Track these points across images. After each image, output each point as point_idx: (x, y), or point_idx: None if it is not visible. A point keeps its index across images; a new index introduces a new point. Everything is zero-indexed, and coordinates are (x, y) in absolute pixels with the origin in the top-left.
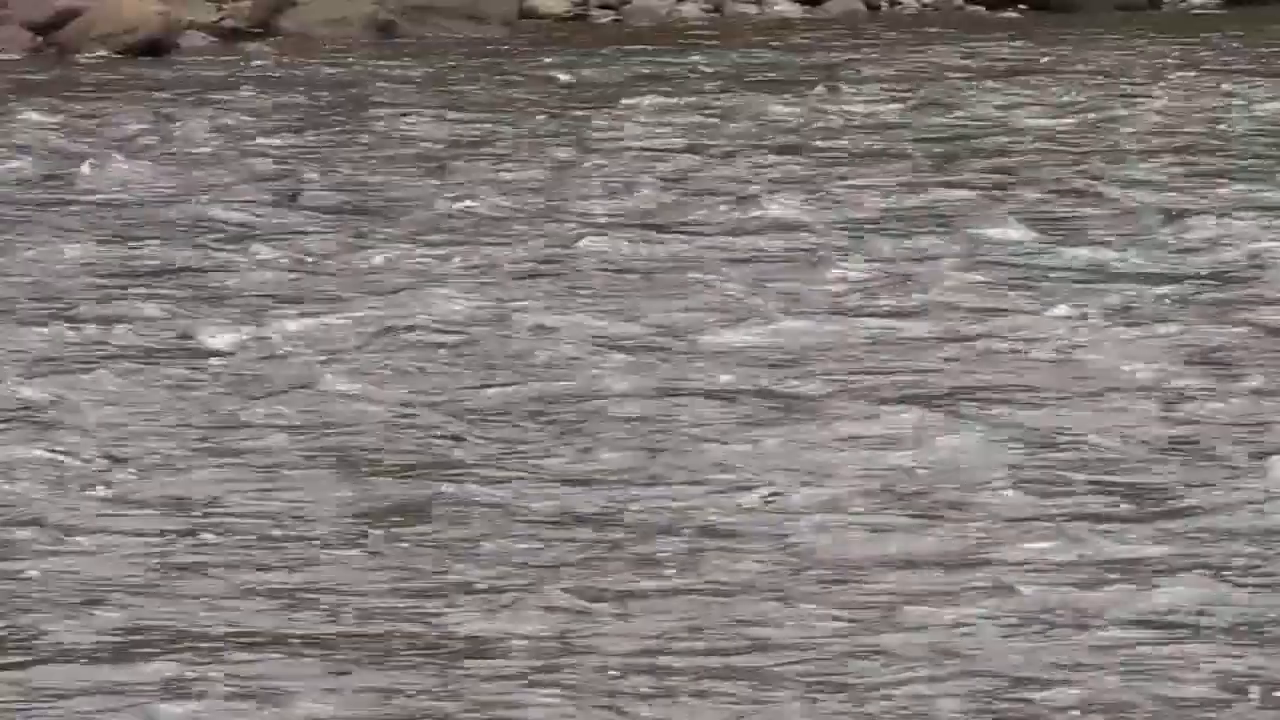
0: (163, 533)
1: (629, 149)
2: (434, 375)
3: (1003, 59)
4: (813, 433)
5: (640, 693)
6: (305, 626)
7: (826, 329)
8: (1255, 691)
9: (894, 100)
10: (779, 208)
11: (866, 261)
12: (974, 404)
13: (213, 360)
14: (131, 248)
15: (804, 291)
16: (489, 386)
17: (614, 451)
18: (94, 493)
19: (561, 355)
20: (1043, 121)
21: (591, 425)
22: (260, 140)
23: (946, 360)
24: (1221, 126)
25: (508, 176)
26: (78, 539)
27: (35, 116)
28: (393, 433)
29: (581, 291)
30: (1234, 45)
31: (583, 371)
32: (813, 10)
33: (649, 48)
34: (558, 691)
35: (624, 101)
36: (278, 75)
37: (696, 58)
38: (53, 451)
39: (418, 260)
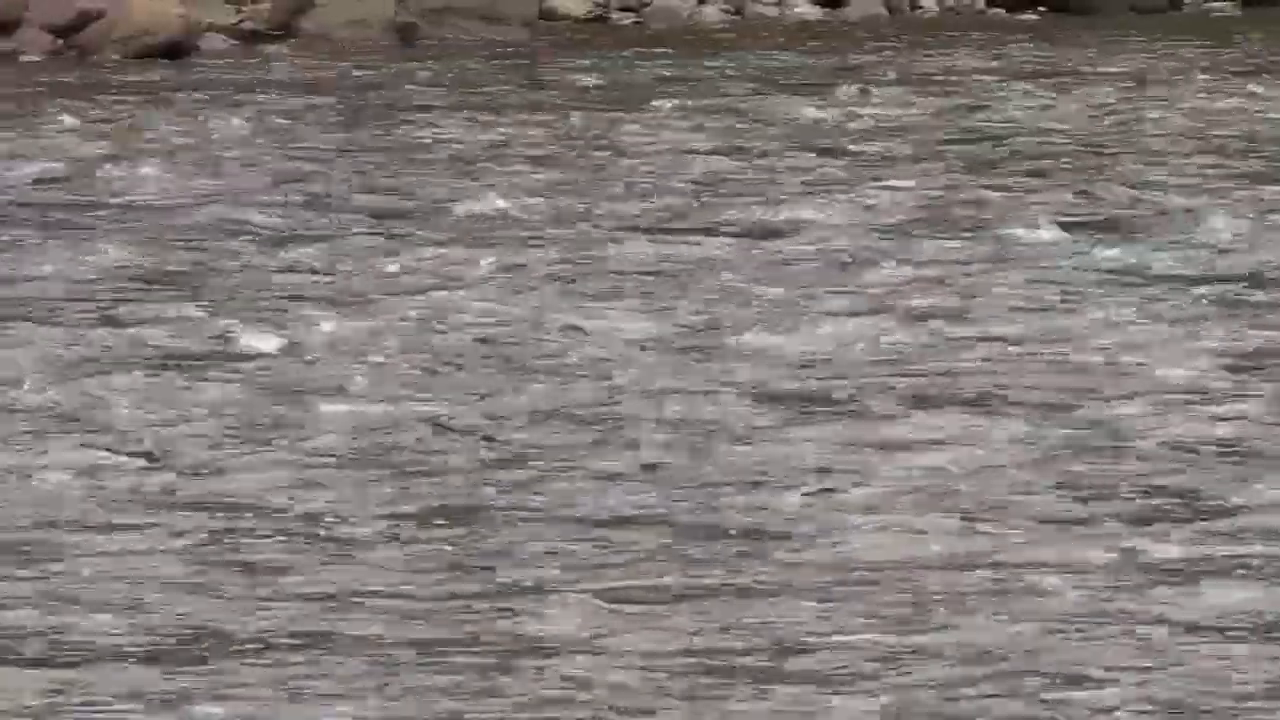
0: (202, 534)
1: (657, 151)
2: (468, 377)
3: (1027, 61)
4: (851, 434)
5: (682, 693)
6: (348, 628)
7: (862, 330)
8: None
9: (922, 102)
10: (811, 210)
11: (900, 263)
12: (1012, 405)
13: (248, 363)
14: (162, 251)
15: (839, 293)
16: (524, 388)
17: (651, 453)
18: (132, 494)
19: (595, 357)
20: (1072, 123)
21: (628, 427)
22: (287, 143)
23: (984, 361)
24: (1251, 127)
25: (538, 178)
26: (115, 540)
27: (60, 119)
28: (429, 434)
29: (614, 293)
30: (1257, 47)
31: (617, 373)
32: (833, 12)
33: (671, 50)
34: (601, 693)
35: (651, 103)
36: (300, 77)
37: (720, 60)
38: (89, 453)
39: (449, 262)
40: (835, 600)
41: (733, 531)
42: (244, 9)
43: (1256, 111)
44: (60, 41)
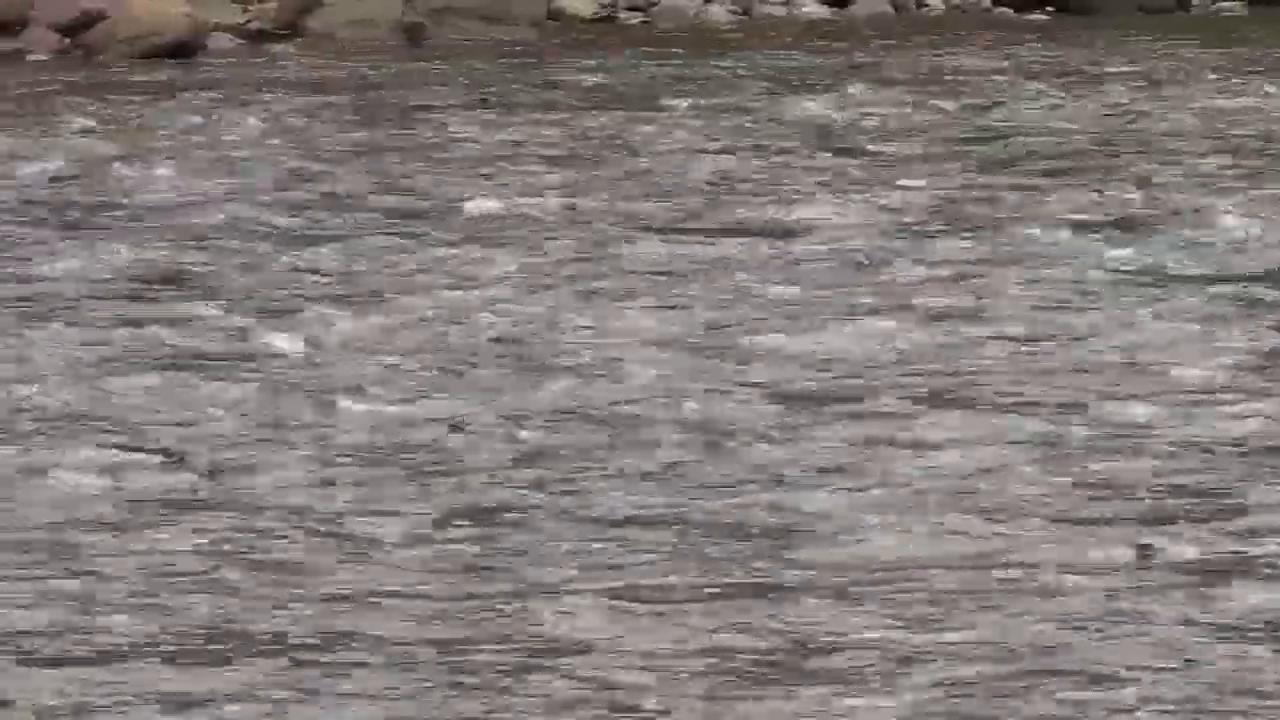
0: (222, 534)
1: (670, 150)
2: (485, 376)
3: (1037, 60)
4: (869, 433)
5: (703, 694)
6: (368, 628)
7: (878, 330)
8: None
9: (933, 101)
10: (825, 209)
11: (915, 263)
12: (1028, 405)
13: (266, 363)
14: (178, 251)
15: (853, 293)
16: (541, 388)
17: (669, 453)
18: (150, 495)
19: (611, 356)
20: (1085, 122)
21: (646, 427)
22: (301, 142)
23: (999, 360)
24: (1267, 126)
25: (551, 178)
26: (135, 541)
27: (69, 119)
28: (447, 434)
29: (628, 293)
30: (1267, 47)
31: (633, 373)
32: (840, 12)
33: (680, 49)
34: (621, 694)
35: (662, 103)
36: (311, 77)
37: (729, 59)
38: (108, 454)
39: (465, 262)
40: (855, 600)
41: (753, 531)
42: (250, 8)
43: (1271, 111)
44: (67, 41)
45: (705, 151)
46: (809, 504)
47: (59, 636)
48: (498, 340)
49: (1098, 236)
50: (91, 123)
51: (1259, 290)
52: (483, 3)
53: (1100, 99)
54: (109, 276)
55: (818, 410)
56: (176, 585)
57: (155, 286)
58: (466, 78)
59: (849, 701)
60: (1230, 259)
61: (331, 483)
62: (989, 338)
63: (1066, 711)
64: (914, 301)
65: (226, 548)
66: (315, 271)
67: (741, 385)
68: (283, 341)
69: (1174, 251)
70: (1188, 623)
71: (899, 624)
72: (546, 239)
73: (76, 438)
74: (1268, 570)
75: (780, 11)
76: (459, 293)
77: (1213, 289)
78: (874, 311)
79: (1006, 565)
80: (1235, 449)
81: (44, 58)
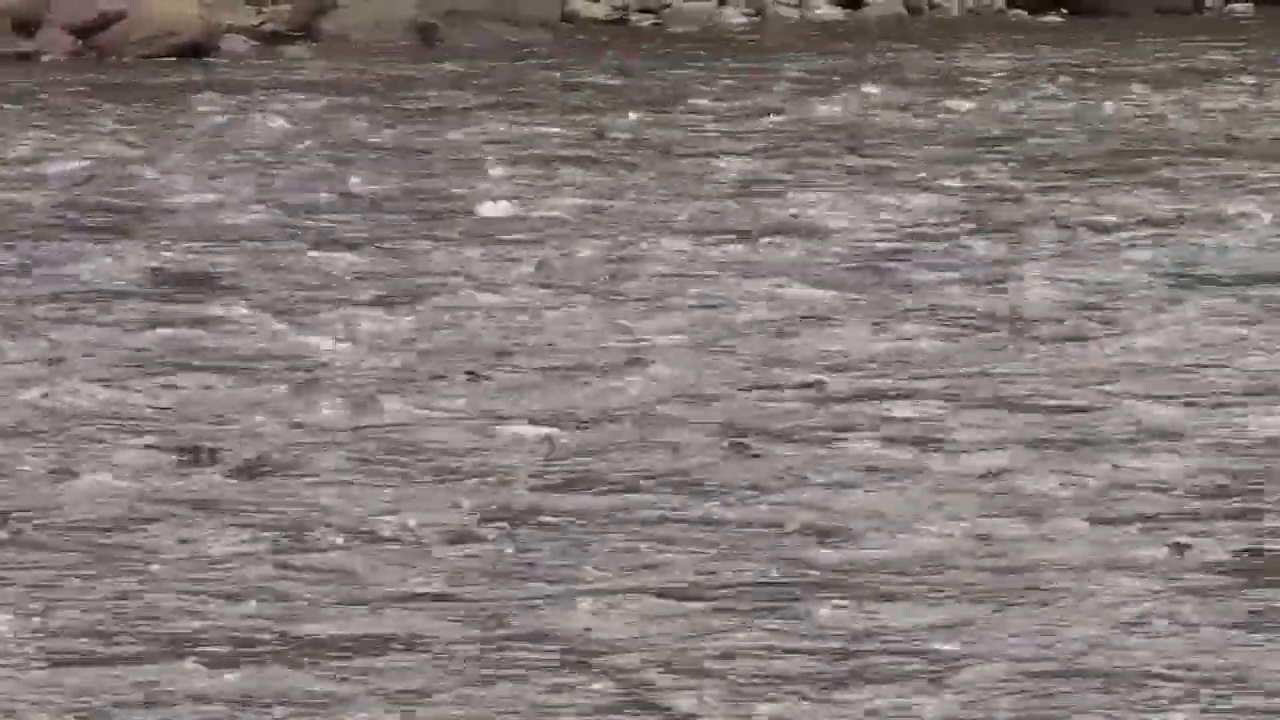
0: (264, 537)
1: (688, 153)
2: (516, 378)
3: (1056, 61)
4: (901, 434)
5: (739, 694)
6: (407, 629)
7: (905, 330)
8: None
9: (953, 103)
10: (850, 210)
11: (942, 263)
12: (1059, 406)
13: (295, 363)
14: (201, 251)
15: (879, 294)
16: (572, 390)
17: (702, 454)
18: (183, 497)
19: (638, 358)
20: (1111, 123)
21: (674, 427)
22: (322, 143)
23: (1037, 362)
24: None
25: (568, 180)
26: (171, 544)
27: (88, 120)
28: (475, 436)
29: (654, 294)
30: None
31: (661, 374)
32: (854, 13)
33: (694, 51)
34: (658, 694)
35: (678, 105)
36: (325, 78)
37: (744, 61)
38: (139, 455)
39: (491, 262)
40: (891, 601)
41: (787, 531)
42: (264, 10)
43: None
44: (81, 42)
45: (728, 153)
46: (843, 505)
47: (92, 637)
48: (528, 341)
49: (1125, 238)
50: (118, 124)
51: None
52: (497, 5)
53: (1120, 100)
54: (139, 278)
55: (848, 411)
56: (215, 588)
57: (184, 288)
58: (485, 78)
59: (886, 702)
60: (1256, 260)
61: (366, 484)
62: (1017, 339)
63: (1104, 712)
64: (941, 302)
65: (264, 551)
66: (343, 272)
67: (770, 387)
68: (312, 342)
69: (1200, 253)
70: (1226, 624)
71: (936, 624)
72: (572, 240)
73: (113, 440)
74: None
75: (793, 13)
76: (488, 294)
77: (1241, 290)
78: (900, 312)
79: (1041, 566)
80: (1271, 449)
81: (59, 59)
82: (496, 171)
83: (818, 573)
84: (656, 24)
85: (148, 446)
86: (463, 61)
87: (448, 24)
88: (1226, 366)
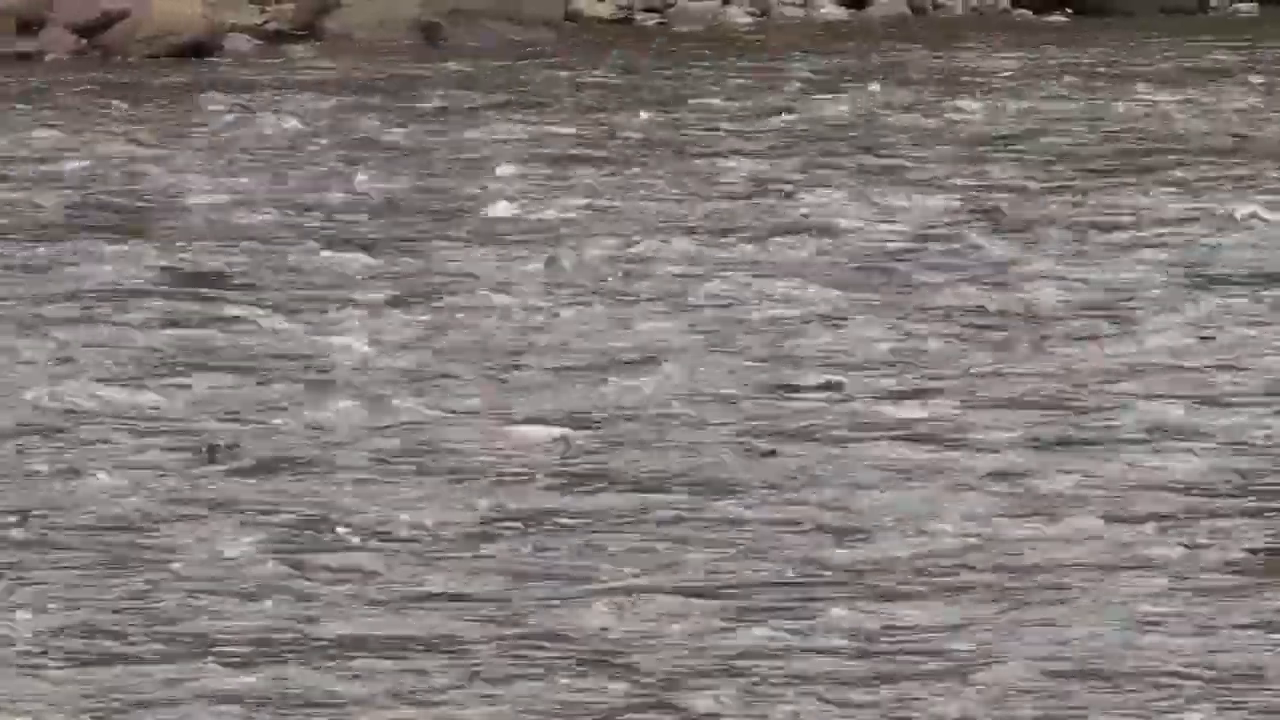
0: (281, 537)
1: (693, 152)
2: (529, 377)
3: (1063, 61)
4: (926, 433)
5: (762, 691)
6: (424, 630)
7: (919, 329)
8: None
9: (961, 103)
10: (858, 211)
11: (952, 262)
12: (1073, 405)
13: (308, 362)
14: (214, 250)
15: (888, 294)
16: (588, 390)
17: (717, 454)
18: (199, 497)
19: (652, 358)
20: (1121, 123)
21: (688, 427)
22: (333, 143)
23: (1050, 361)
24: None
25: (575, 180)
26: (185, 544)
27: (99, 119)
28: (490, 436)
29: (664, 295)
30: None
31: (675, 374)
32: (858, 13)
33: (698, 51)
34: (679, 693)
35: (684, 104)
36: (332, 78)
37: (749, 60)
38: (154, 455)
39: (502, 261)
40: (908, 600)
41: (807, 529)
42: (268, 9)
43: None
44: (84, 41)
45: (736, 153)
46: (865, 504)
47: (110, 637)
48: (541, 341)
49: (1136, 237)
50: (128, 124)
51: None
52: (499, 3)
53: (1128, 100)
54: (152, 278)
55: (863, 410)
56: (231, 588)
57: (196, 288)
58: (493, 78)
59: (904, 702)
60: (1270, 259)
61: (382, 483)
62: (1030, 338)
63: (1122, 711)
64: (953, 302)
65: (280, 550)
66: (355, 272)
67: (786, 387)
68: (325, 342)
69: (1212, 253)
70: (1241, 622)
71: (953, 624)
72: (581, 240)
73: (124, 438)
74: None
75: (798, 13)
76: (501, 294)
77: (1253, 290)
78: (913, 312)
79: (1058, 565)
80: None
81: (62, 58)
82: (506, 170)
83: (834, 572)
84: (661, 23)
85: (163, 447)
86: (467, 60)
87: (451, 23)
88: (1239, 366)
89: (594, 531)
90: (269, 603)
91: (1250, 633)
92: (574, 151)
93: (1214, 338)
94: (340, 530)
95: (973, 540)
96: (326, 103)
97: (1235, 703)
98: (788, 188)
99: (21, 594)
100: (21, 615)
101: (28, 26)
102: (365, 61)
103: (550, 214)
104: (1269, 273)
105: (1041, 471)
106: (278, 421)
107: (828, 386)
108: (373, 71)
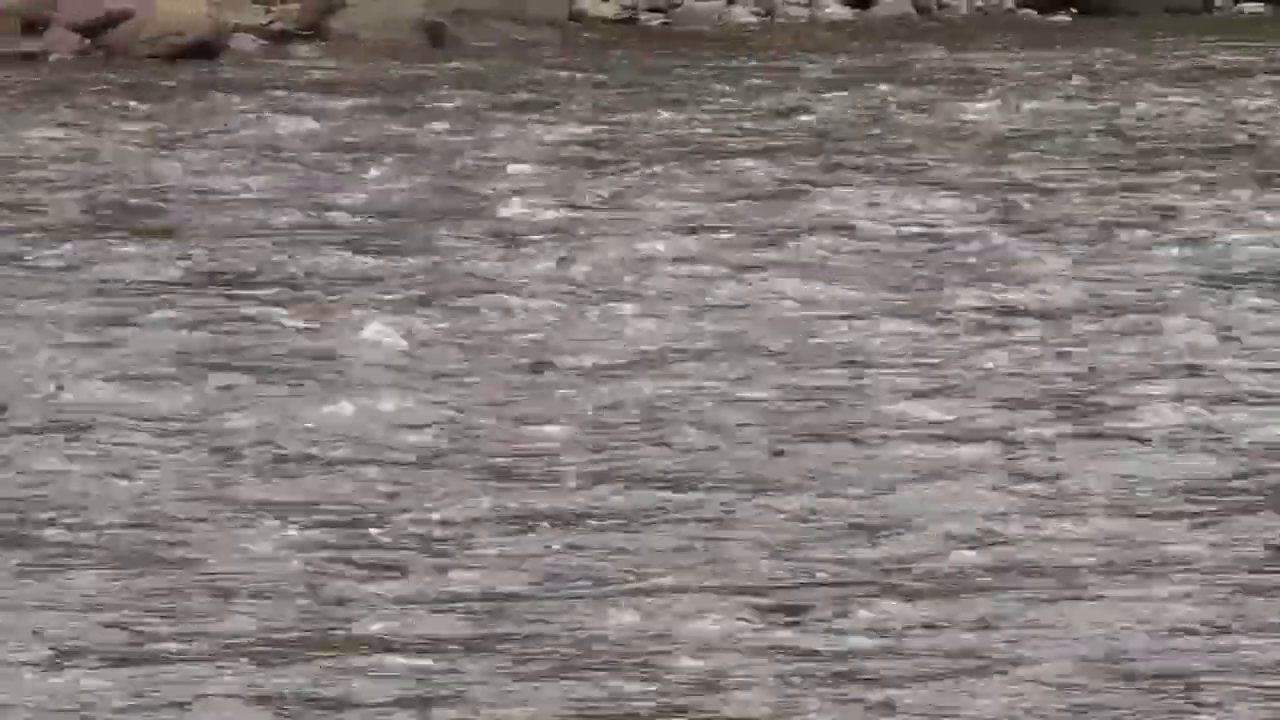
0: (308, 536)
1: (702, 152)
2: (550, 378)
3: (1072, 61)
4: (940, 434)
5: (800, 692)
6: (463, 628)
7: (936, 331)
8: None
9: (970, 104)
10: (870, 211)
11: (968, 264)
12: (1105, 404)
13: (329, 363)
14: (228, 252)
15: (904, 294)
16: (610, 392)
17: (735, 452)
18: (229, 496)
19: (666, 357)
20: (1135, 122)
21: (702, 429)
22: (344, 143)
23: (1070, 360)
24: None
25: (582, 181)
26: (214, 544)
27: (102, 119)
28: (517, 435)
29: (676, 293)
30: None
31: (691, 375)
32: (863, 13)
33: (703, 51)
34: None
35: (691, 104)
36: (336, 78)
37: (755, 60)
38: (184, 455)
39: (514, 262)
40: (937, 599)
41: (834, 529)
42: (273, 9)
43: None
44: (88, 41)
45: (747, 153)
46: (894, 503)
47: (138, 636)
48: (562, 341)
49: (1154, 236)
50: (144, 123)
51: None
52: (503, 3)
53: (1141, 99)
54: (174, 280)
55: (886, 409)
56: (260, 587)
57: (218, 289)
58: (494, 78)
59: (935, 701)
60: None
61: (409, 484)
62: (1049, 337)
63: (1149, 712)
64: (971, 301)
65: (309, 549)
66: (374, 272)
67: (806, 386)
68: (345, 341)
69: (1235, 251)
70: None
71: (982, 623)
72: (592, 241)
73: (149, 439)
74: None
75: (803, 13)
76: (512, 295)
77: (1272, 288)
78: (931, 310)
79: (1085, 565)
80: None
81: (66, 58)
82: (517, 171)
83: (863, 571)
84: (665, 23)
85: (187, 446)
86: (472, 60)
87: (455, 23)
88: (1261, 365)
89: (622, 531)
90: (301, 602)
91: (1276, 631)
92: (585, 151)
93: (1234, 336)
94: (368, 530)
95: (1005, 539)
96: (342, 103)
97: (1263, 703)
98: (805, 187)
99: (51, 594)
100: (52, 615)
101: (32, 26)
102: (372, 62)
103: (564, 214)
104: None
105: (1068, 471)
106: (301, 420)
107: (847, 385)
108: (381, 71)
